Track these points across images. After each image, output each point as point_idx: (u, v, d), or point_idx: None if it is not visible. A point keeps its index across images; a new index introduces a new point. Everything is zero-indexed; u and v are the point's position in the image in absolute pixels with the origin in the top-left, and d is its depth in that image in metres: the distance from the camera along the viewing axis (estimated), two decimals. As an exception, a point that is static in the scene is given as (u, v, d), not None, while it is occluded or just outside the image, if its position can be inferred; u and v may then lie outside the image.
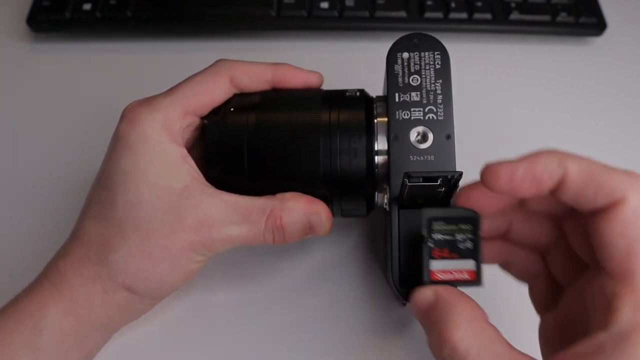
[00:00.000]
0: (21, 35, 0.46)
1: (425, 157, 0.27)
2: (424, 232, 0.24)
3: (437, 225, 0.24)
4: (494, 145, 0.40)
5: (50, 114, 0.41)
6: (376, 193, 0.29)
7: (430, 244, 0.24)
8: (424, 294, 0.23)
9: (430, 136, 0.27)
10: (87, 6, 0.44)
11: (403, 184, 0.25)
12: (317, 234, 0.28)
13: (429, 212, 0.24)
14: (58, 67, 0.44)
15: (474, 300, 0.23)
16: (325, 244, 0.35)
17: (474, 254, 0.24)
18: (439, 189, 0.25)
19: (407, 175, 0.24)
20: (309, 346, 0.32)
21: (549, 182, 0.21)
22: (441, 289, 0.23)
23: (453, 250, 0.24)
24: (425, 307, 0.23)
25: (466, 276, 0.24)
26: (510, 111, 0.42)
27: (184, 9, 0.44)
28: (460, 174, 0.24)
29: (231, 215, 0.27)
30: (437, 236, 0.24)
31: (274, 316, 0.32)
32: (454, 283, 0.24)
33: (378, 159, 0.28)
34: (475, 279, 0.24)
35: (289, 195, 0.28)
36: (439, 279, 0.24)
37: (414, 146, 0.27)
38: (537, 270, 0.26)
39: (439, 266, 0.24)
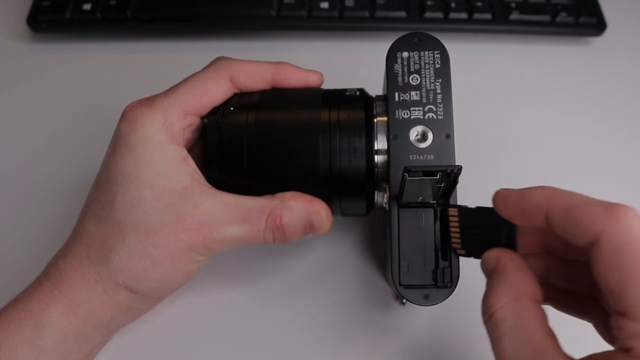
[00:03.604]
0: (21, 35, 0.46)
1: (425, 156, 0.27)
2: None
3: None
4: (494, 145, 0.40)
5: (50, 114, 0.41)
6: (376, 192, 0.29)
7: None
8: (490, 256, 0.24)
9: (430, 135, 0.27)
10: (87, 6, 0.44)
11: (403, 179, 0.25)
12: (317, 233, 0.28)
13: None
14: (58, 67, 0.44)
15: (532, 276, 0.23)
16: (325, 243, 0.35)
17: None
18: (439, 184, 0.25)
19: (407, 170, 0.24)
20: (308, 345, 0.31)
21: (537, 216, 0.22)
22: (504, 255, 0.23)
23: None
24: (488, 269, 0.24)
25: None
26: (510, 111, 0.42)
27: (184, 9, 0.44)
28: (460, 168, 0.24)
29: (231, 215, 0.27)
30: None
31: (274, 316, 0.32)
32: None
33: (378, 158, 0.28)
34: None
35: (288, 194, 0.28)
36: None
37: (413, 145, 0.27)
38: (589, 308, 0.25)
39: None
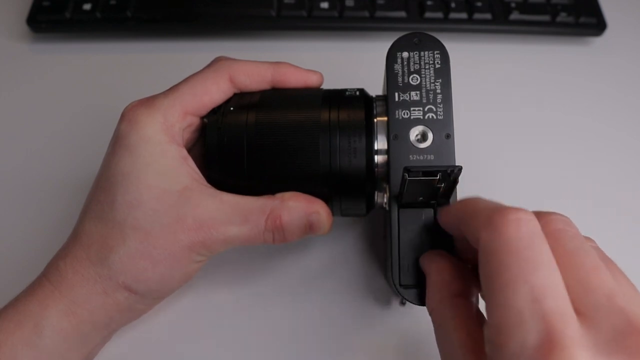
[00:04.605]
0: (21, 35, 0.46)
1: (425, 156, 0.27)
2: None
3: None
4: (494, 145, 0.40)
5: (50, 114, 0.41)
6: (376, 192, 0.29)
7: None
8: (421, 261, 0.26)
9: (430, 135, 0.27)
10: (87, 6, 0.44)
11: (403, 179, 0.25)
12: (317, 233, 0.28)
13: None
14: (58, 67, 0.44)
15: (456, 273, 0.23)
16: (325, 243, 0.35)
17: None
18: (439, 184, 0.25)
19: (407, 170, 0.24)
20: (308, 345, 0.31)
21: (454, 228, 0.24)
22: (426, 257, 0.25)
23: None
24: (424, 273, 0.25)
25: None
26: (510, 111, 0.42)
27: (184, 9, 0.44)
28: (460, 168, 0.24)
29: (231, 215, 0.27)
30: None
31: (274, 316, 0.32)
32: None
33: (378, 158, 0.28)
34: None
35: (288, 194, 0.28)
36: None
37: (413, 145, 0.27)
38: None
39: None
